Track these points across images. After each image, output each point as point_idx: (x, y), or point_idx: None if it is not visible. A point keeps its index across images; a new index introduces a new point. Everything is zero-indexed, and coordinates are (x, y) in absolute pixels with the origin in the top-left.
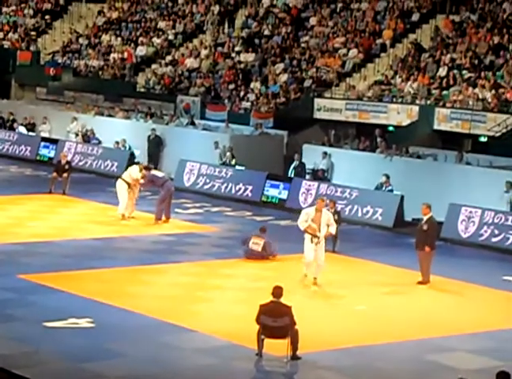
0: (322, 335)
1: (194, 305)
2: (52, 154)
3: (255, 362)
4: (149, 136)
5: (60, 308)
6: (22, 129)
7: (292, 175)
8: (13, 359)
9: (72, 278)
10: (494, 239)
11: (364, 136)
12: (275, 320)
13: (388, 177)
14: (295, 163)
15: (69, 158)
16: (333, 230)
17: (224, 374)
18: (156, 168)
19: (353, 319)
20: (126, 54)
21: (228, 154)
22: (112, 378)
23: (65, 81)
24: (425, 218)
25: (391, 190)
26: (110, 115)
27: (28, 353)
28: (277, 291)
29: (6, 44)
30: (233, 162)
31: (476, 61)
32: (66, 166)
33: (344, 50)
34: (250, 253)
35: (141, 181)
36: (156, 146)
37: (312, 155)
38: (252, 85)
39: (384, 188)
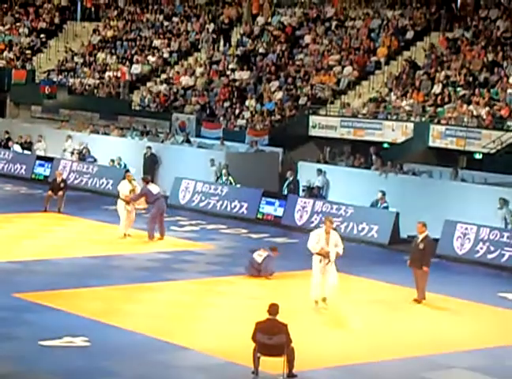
0: (318, 353)
1: (190, 323)
2: (47, 172)
3: None
4: (145, 154)
5: (55, 326)
6: (17, 148)
7: (286, 192)
8: (8, 378)
9: (67, 296)
10: (489, 256)
11: (359, 153)
12: (271, 337)
13: (384, 193)
14: (289, 179)
15: (64, 176)
16: (340, 250)
17: None
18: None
19: (349, 336)
20: (119, 72)
21: (224, 171)
22: None
23: (61, 100)
24: (421, 236)
25: (387, 207)
26: (105, 133)
27: (24, 372)
28: (273, 309)
29: (1, 63)
30: (230, 179)
31: (471, 79)
32: (62, 185)
33: (338, 68)
34: (250, 263)
35: (131, 195)
36: (151, 164)
37: (307, 173)
38: (247, 103)
39: (379, 205)
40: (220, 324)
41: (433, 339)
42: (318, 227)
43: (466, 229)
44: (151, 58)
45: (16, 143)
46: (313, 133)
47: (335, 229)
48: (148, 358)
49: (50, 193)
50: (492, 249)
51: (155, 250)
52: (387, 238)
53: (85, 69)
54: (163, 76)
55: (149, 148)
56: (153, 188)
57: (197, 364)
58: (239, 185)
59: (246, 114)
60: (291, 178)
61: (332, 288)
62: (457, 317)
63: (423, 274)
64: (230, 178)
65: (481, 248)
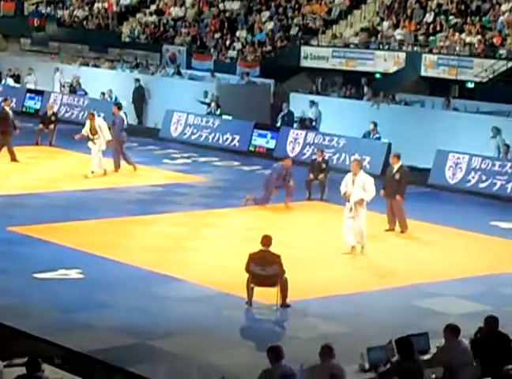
0: (311, 284)
1: (183, 255)
2: (38, 106)
3: (245, 311)
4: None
5: (49, 259)
6: (10, 81)
7: (280, 124)
8: (2, 311)
9: (60, 229)
10: (481, 185)
11: (351, 83)
12: (264, 268)
13: (375, 125)
14: (283, 111)
15: (55, 109)
16: (367, 196)
17: (214, 323)
18: (140, 119)
19: (341, 266)
20: (107, 4)
21: (213, 104)
22: (102, 328)
23: (50, 32)
24: (396, 167)
25: (378, 138)
26: (95, 66)
27: (18, 304)
28: (266, 240)
29: None
30: (218, 112)
31: (463, 7)
32: (53, 118)
33: None
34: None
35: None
36: (139, 96)
37: (299, 104)
38: (238, 34)
39: (371, 136)
40: (214, 255)
41: (425, 268)
42: (310, 159)
43: (458, 158)
44: None
45: (8, 76)
46: (304, 63)
47: (322, 154)
48: (143, 290)
49: (41, 126)
50: (484, 178)
51: (147, 183)
52: (379, 169)
53: (74, 1)
54: (153, 7)
55: (137, 80)
56: (124, 116)
57: (192, 295)
58: (226, 117)
59: (237, 46)
60: (286, 110)
61: (357, 235)
62: (449, 245)
63: (398, 203)
64: (218, 110)
65: (473, 177)
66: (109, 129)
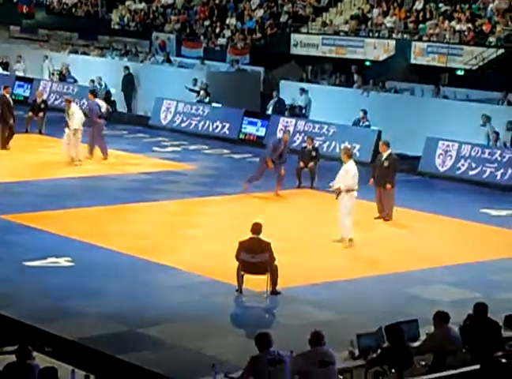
0: (302, 271)
1: (174, 242)
2: (27, 93)
3: (235, 298)
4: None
5: (39, 247)
6: None
7: (271, 112)
8: None
9: (50, 217)
10: (471, 172)
11: (341, 71)
12: (254, 256)
13: (365, 112)
14: (274, 99)
15: (44, 97)
16: (343, 185)
17: (205, 310)
18: (129, 107)
19: (331, 254)
20: None
21: (202, 92)
22: (92, 316)
23: (39, 19)
24: (385, 155)
25: (368, 126)
26: (84, 53)
27: (8, 292)
28: (256, 228)
29: None
30: (207, 99)
31: None
32: (42, 105)
33: None
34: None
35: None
36: (128, 84)
37: (289, 92)
38: (228, 21)
39: (361, 124)
40: (204, 243)
41: (414, 256)
42: (300, 147)
43: (448, 146)
44: None
45: None
46: (294, 51)
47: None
48: (133, 278)
49: (30, 114)
50: (474, 165)
51: (137, 171)
52: (369, 157)
53: None
54: None
55: (127, 68)
56: (101, 103)
57: (182, 282)
58: (216, 105)
59: (227, 33)
60: (276, 98)
61: (341, 228)
62: (439, 233)
63: (387, 192)
64: (207, 98)
65: (463, 165)
66: (86, 116)
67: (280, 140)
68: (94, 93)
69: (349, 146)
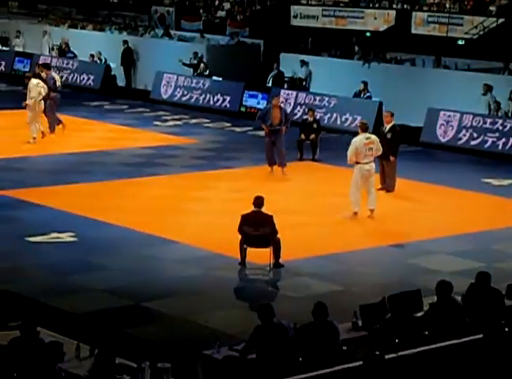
0: (304, 243)
1: (176, 216)
2: (27, 68)
3: (238, 271)
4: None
5: (41, 223)
6: None
7: (270, 84)
8: None
9: (52, 193)
10: (472, 142)
11: (341, 42)
12: (257, 229)
13: (366, 84)
14: (274, 72)
15: None
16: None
17: (208, 283)
18: (129, 81)
19: (334, 226)
20: None
21: (202, 65)
22: (96, 290)
23: None
24: (388, 126)
25: (369, 96)
26: (83, 28)
27: (11, 268)
28: (258, 201)
29: None
30: (207, 72)
31: None
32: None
33: None
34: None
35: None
36: (128, 58)
37: (289, 64)
38: None
39: (362, 95)
40: (207, 217)
41: (417, 226)
42: (301, 119)
43: (449, 116)
44: None
45: None
46: (294, 23)
47: (314, 114)
48: (136, 252)
49: None
50: (475, 135)
51: (138, 145)
52: (371, 128)
53: None
54: None
55: (126, 42)
56: (56, 77)
57: (185, 256)
58: (216, 78)
59: (226, 6)
60: (276, 71)
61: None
62: (441, 203)
63: (391, 164)
64: (207, 70)
65: (464, 135)
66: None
67: (270, 107)
68: (48, 66)
69: (364, 121)
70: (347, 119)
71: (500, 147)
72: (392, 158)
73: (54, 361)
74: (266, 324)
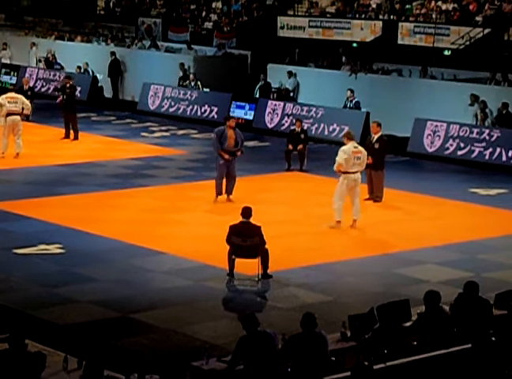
0: (293, 253)
1: (164, 228)
2: (14, 80)
3: (227, 282)
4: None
5: (29, 235)
6: None
7: (258, 95)
8: None
9: (39, 204)
10: (459, 152)
11: (328, 53)
12: (245, 240)
13: (352, 91)
14: (261, 82)
15: (31, 84)
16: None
17: (197, 295)
18: (116, 92)
19: (323, 236)
20: None
21: (192, 76)
22: (84, 302)
23: (24, 6)
24: (376, 136)
25: (357, 102)
26: (70, 39)
27: None
28: (246, 212)
29: None
30: (199, 84)
31: None
32: (29, 93)
33: None
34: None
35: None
36: (115, 70)
37: (277, 75)
38: (213, 5)
39: (350, 102)
40: (195, 228)
41: (405, 236)
42: (288, 130)
43: (436, 126)
44: None
45: None
46: (281, 34)
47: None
48: (124, 264)
49: None
50: (462, 145)
51: (126, 157)
52: (358, 138)
53: None
54: None
55: (113, 53)
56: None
57: (173, 267)
58: (206, 90)
59: (213, 17)
60: (263, 81)
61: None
62: (428, 213)
63: (378, 174)
64: (198, 83)
65: (451, 145)
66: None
67: (224, 129)
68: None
69: (349, 130)
70: (334, 129)
71: (487, 157)
72: (379, 168)
73: (38, 371)
74: (251, 334)
